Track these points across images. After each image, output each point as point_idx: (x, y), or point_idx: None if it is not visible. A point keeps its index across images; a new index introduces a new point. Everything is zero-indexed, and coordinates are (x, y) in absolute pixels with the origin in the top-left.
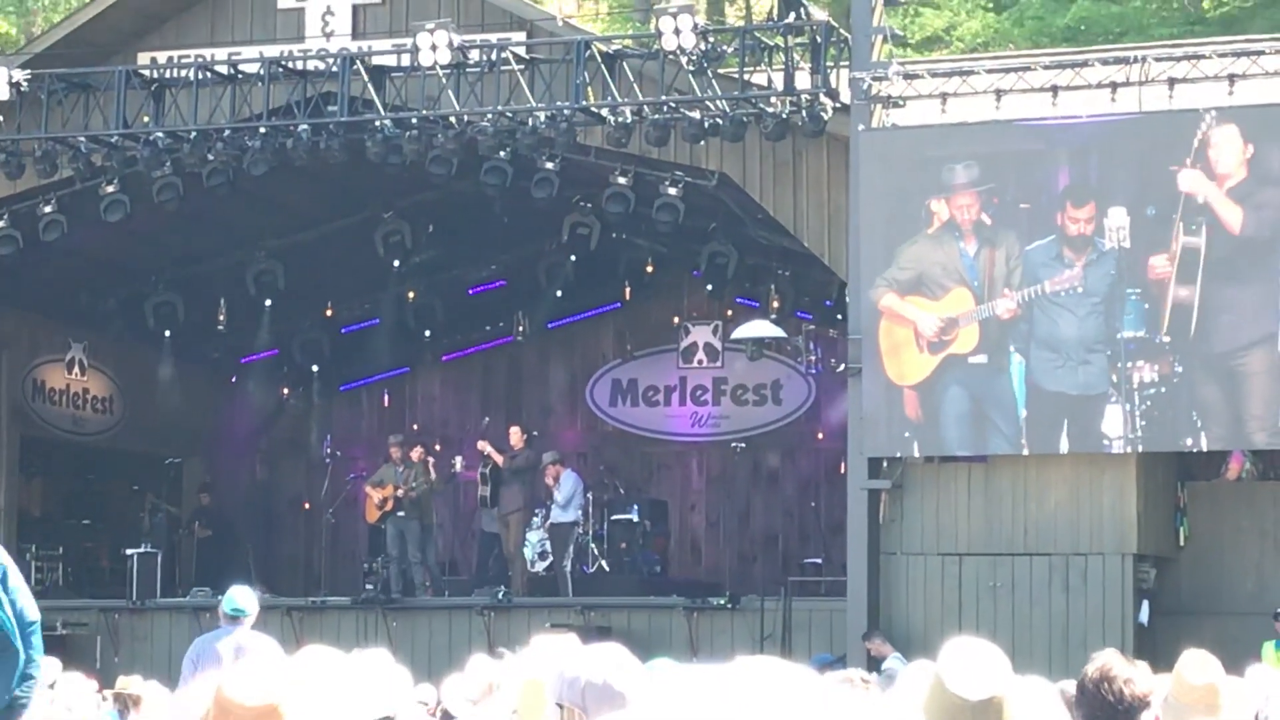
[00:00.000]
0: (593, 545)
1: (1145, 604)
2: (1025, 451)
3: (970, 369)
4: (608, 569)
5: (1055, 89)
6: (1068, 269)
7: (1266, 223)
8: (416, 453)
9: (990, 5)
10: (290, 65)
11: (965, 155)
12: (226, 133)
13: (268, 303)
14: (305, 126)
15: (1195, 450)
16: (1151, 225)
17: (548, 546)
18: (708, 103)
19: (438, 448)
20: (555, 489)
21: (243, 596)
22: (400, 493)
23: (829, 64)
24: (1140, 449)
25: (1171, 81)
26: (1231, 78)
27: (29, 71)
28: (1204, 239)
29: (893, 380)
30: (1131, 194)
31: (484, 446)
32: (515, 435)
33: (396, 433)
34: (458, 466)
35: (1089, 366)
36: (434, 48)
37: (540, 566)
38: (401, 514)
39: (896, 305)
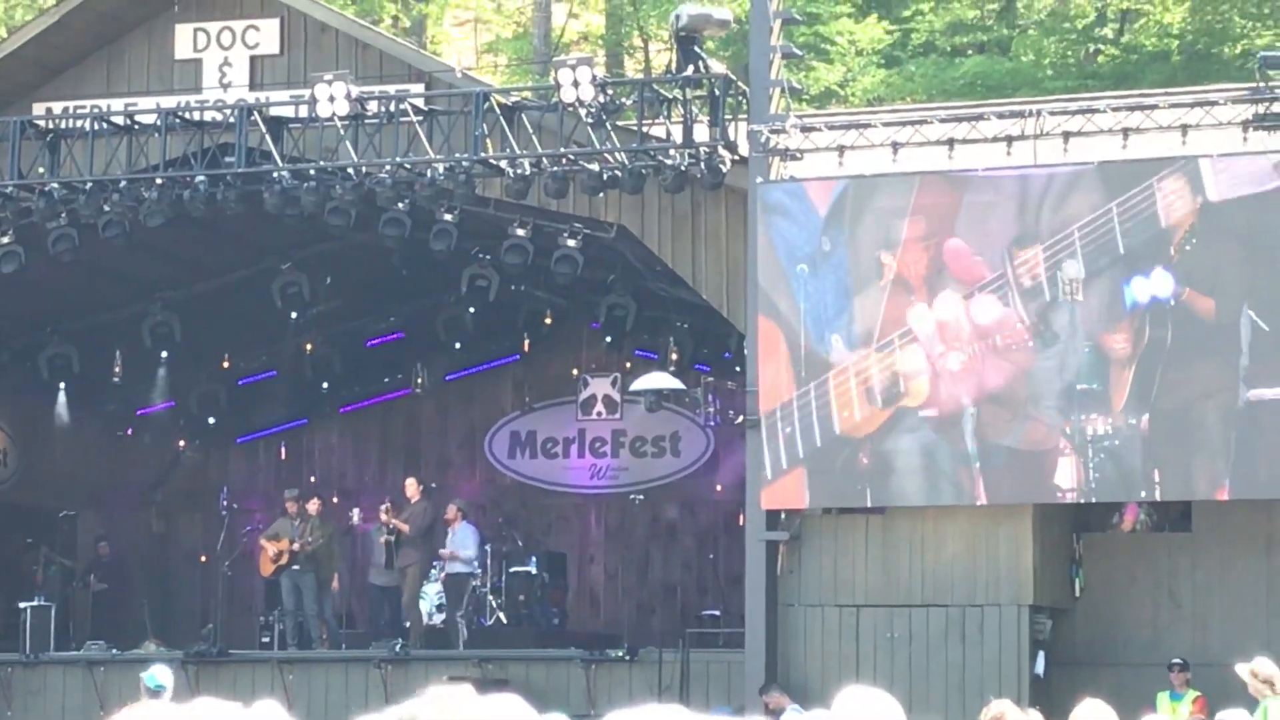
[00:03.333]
0: (491, 597)
1: (1041, 655)
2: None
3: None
4: (505, 621)
5: (951, 141)
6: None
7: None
8: (313, 505)
9: (882, 62)
10: (187, 116)
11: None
12: (123, 183)
13: (164, 354)
14: (202, 177)
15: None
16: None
17: (445, 599)
18: (606, 155)
19: (335, 500)
20: (451, 536)
21: (161, 673)
22: (296, 546)
23: (727, 117)
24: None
25: (1066, 135)
26: (1125, 131)
27: None
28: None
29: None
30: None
31: (388, 519)
32: (411, 487)
33: (292, 487)
34: (355, 519)
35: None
36: (332, 99)
37: (438, 619)
38: (296, 568)
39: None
